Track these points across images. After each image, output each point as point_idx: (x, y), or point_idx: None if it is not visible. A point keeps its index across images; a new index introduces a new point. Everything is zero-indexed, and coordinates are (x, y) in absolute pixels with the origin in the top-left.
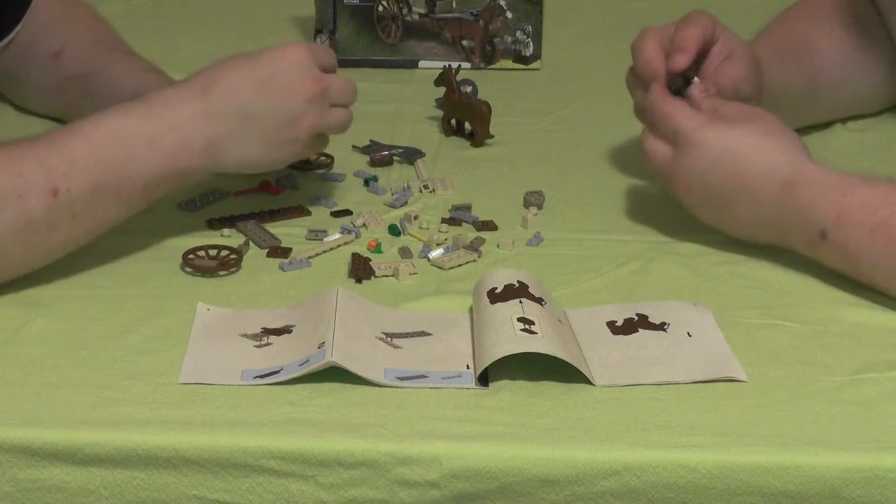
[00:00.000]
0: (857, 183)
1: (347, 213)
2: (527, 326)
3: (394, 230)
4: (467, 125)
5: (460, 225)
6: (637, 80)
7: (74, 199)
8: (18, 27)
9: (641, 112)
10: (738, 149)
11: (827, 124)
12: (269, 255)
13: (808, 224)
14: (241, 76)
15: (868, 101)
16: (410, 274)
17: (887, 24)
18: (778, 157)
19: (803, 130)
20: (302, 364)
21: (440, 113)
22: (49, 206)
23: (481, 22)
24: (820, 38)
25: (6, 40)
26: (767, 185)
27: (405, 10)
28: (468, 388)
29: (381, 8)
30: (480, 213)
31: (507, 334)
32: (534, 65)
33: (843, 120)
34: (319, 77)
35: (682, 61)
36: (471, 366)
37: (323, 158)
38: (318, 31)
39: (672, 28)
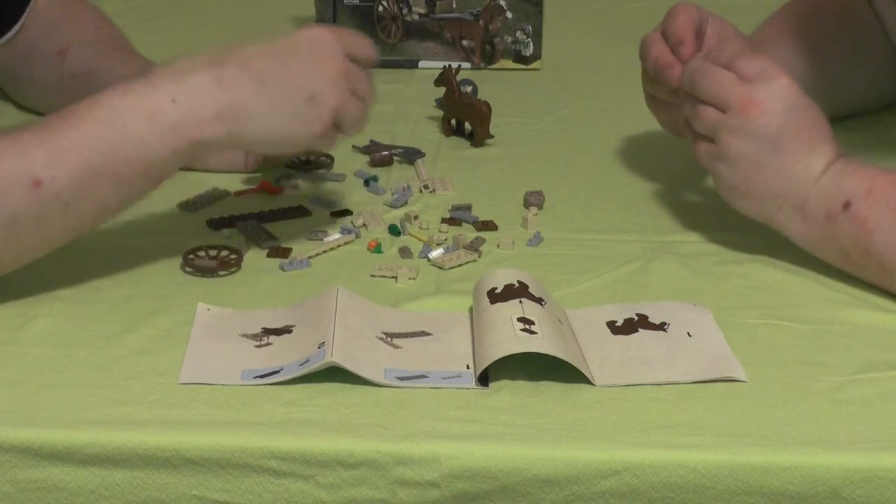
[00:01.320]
0: (890, 169)
1: (347, 213)
2: (527, 326)
3: (394, 230)
4: (467, 125)
5: (460, 225)
6: (652, 82)
7: (62, 188)
8: (19, 24)
9: (653, 100)
10: (808, 105)
11: None
12: (269, 255)
13: (837, 192)
14: (260, 48)
15: (866, 99)
16: (410, 279)
17: (883, 21)
18: (828, 126)
19: None
20: (302, 364)
21: (440, 113)
22: (33, 198)
23: (481, 22)
24: (811, 32)
25: (6, 37)
26: (825, 143)
27: (405, 10)
28: (468, 388)
29: (381, 8)
30: (480, 213)
31: (507, 334)
32: (534, 65)
33: (843, 119)
34: (343, 59)
35: (686, 52)
36: (471, 366)
37: (323, 158)
38: None
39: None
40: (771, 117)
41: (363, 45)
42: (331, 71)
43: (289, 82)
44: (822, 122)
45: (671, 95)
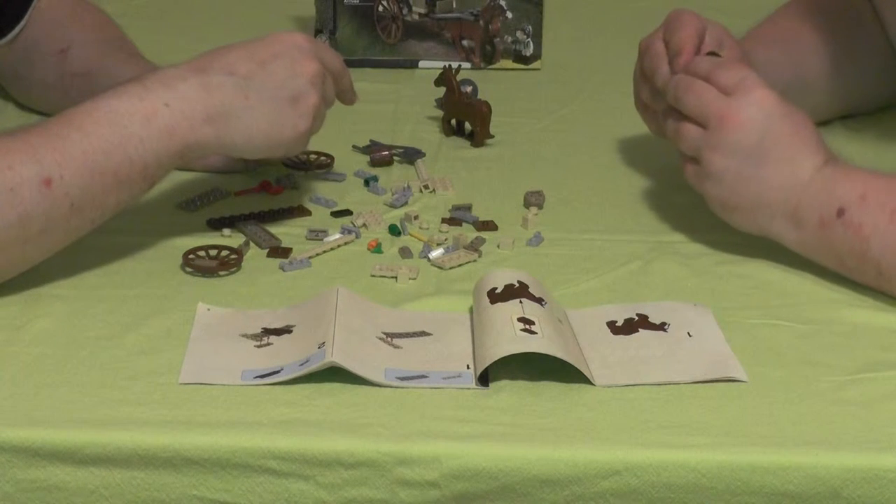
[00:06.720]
0: (881, 172)
1: (347, 213)
2: (527, 326)
3: (394, 230)
4: (467, 125)
5: (460, 225)
6: (644, 78)
7: (70, 187)
8: (22, 23)
9: (644, 107)
10: (789, 113)
11: (825, 123)
12: (269, 255)
13: (829, 198)
14: (241, 53)
15: (865, 98)
16: (410, 279)
17: (883, 19)
18: (814, 131)
19: None
20: (302, 364)
21: (440, 113)
22: (44, 197)
23: (481, 22)
24: (809, 30)
25: (9, 37)
26: (811, 148)
27: (405, 10)
28: (468, 388)
29: (381, 8)
30: (480, 213)
31: (507, 334)
32: (534, 65)
33: (842, 118)
34: (319, 59)
35: (683, 62)
36: (471, 366)
37: (323, 158)
38: (318, 31)
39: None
40: (749, 130)
41: (334, 56)
42: (310, 72)
43: (271, 85)
44: (807, 127)
45: (655, 99)
